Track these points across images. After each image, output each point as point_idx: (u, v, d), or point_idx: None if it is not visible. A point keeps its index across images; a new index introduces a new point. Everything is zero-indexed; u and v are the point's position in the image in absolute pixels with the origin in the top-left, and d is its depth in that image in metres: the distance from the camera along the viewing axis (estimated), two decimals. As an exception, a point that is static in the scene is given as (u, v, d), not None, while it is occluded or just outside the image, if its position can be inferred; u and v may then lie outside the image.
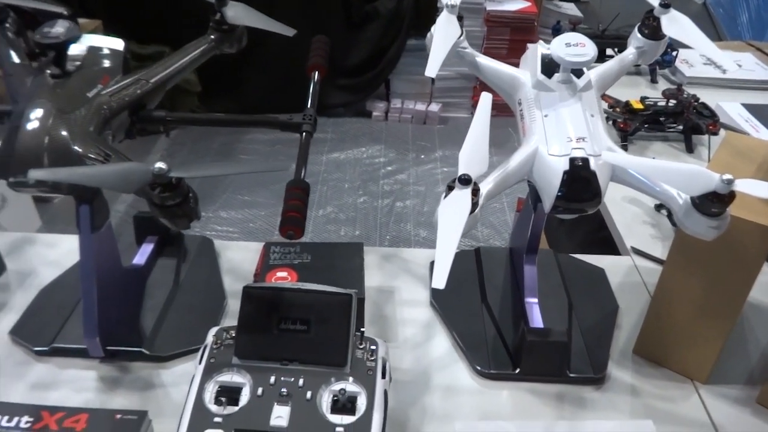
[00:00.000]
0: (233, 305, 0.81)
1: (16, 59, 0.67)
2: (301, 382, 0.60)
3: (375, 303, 0.82)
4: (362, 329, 0.63)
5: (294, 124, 0.66)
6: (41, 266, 0.87)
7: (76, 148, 0.57)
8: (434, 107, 3.01)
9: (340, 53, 2.93)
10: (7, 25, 0.71)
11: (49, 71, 0.60)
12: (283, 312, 0.63)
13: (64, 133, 0.57)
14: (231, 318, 0.79)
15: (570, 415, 0.68)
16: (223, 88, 2.90)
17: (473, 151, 0.57)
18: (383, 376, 0.61)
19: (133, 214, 0.88)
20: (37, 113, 0.57)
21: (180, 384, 0.70)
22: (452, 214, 0.54)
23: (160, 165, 0.52)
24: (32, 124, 0.56)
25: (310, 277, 0.69)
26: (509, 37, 2.84)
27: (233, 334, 0.64)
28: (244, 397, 0.59)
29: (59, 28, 0.60)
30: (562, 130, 0.61)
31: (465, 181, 0.55)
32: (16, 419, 0.61)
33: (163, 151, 2.72)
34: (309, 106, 0.68)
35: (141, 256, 0.84)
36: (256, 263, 0.88)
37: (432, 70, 0.63)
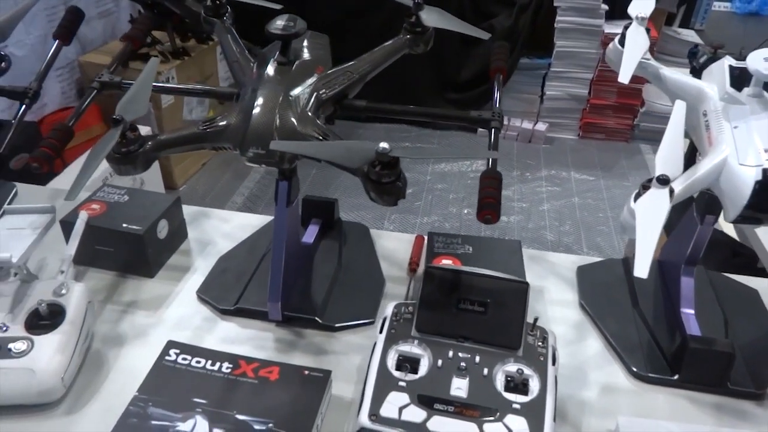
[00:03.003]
0: (390, 288, 0.87)
1: (235, 48, 0.76)
2: (477, 359, 0.64)
3: (525, 299, 0.85)
4: (536, 317, 0.67)
5: (483, 120, 0.71)
6: (217, 237, 0.96)
7: (299, 127, 0.64)
8: (541, 126, 3.01)
9: (451, 68, 2.99)
10: (225, 17, 0.81)
11: (276, 59, 0.68)
12: (463, 293, 0.67)
13: (290, 113, 0.65)
14: (389, 299, 0.84)
15: (730, 425, 0.68)
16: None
17: (669, 153, 0.59)
18: (553, 363, 0.65)
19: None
20: (269, 95, 0.65)
21: (348, 352, 0.76)
22: (652, 211, 0.56)
23: (383, 145, 0.58)
24: (265, 105, 0.64)
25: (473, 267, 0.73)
26: (625, 60, 2.79)
27: (411, 310, 0.69)
28: (423, 367, 0.64)
29: (289, 22, 0.67)
30: (754, 142, 0.62)
31: (663, 180, 0.57)
32: (218, 364, 0.68)
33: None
34: (496, 105, 0.73)
35: (309, 236, 0.91)
36: (408, 253, 0.94)
37: (625, 76, 0.66)
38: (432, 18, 0.77)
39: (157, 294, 0.84)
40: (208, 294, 0.83)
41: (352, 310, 0.81)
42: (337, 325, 0.78)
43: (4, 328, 0.68)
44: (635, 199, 0.60)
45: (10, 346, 0.66)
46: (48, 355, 0.66)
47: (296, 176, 0.75)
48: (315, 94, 0.68)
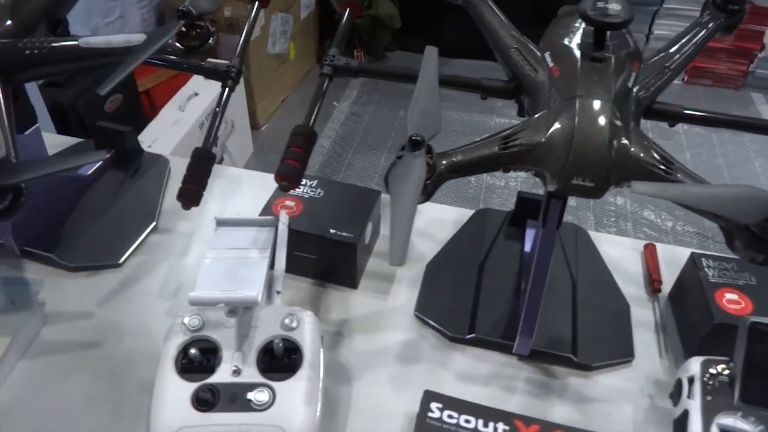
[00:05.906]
0: (634, 312, 0.74)
1: (507, 27, 0.60)
2: (830, 447, 0.52)
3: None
4: None
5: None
6: (414, 236, 0.83)
7: (633, 149, 0.49)
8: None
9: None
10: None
11: (589, 53, 0.52)
12: (808, 360, 0.54)
13: (621, 132, 0.49)
14: (640, 329, 0.72)
15: None
16: (420, 28, 2.82)
17: None
18: None
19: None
20: (595, 107, 0.49)
21: (614, 400, 0.64)
22: None
23: (793, 198, 0.43)
24: (592, 121, 0.48)
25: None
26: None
27: (725, 370, 0.57)
28: (758, 451, 0.52)
29: (613, 4, 0.51)
30: None
31: None
32: (491, 425, 0.57)
33: (353, 98, 2.68)
34: None
35: (528, 243, 0.78)
36: (636, 262, 0.81)
37: None
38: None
39: (368, 311, 0.73)
40: (430, 316, 0.71)
41: (608, 347, 0.68)
42: (597, 364, 0.67)
43: (237, 372, 0.57)
44: None
45: (250, 396, 0.55)
46: (294, 407, 0.55)
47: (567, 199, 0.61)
48: (637, 102, 0.53)
